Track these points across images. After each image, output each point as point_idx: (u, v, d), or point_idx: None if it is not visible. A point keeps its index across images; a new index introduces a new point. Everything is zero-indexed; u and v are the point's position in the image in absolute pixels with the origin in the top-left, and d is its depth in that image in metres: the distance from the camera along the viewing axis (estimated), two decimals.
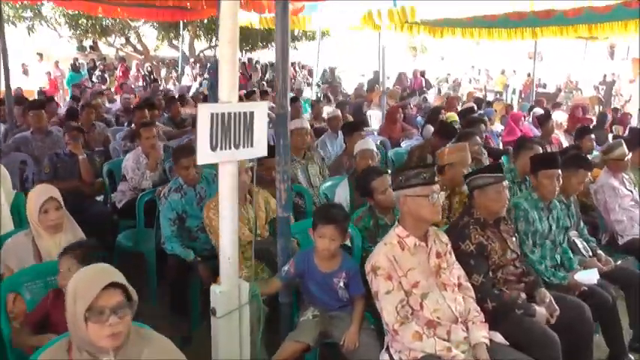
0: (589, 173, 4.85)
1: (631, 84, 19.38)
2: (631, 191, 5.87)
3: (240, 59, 24.50)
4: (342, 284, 3.55)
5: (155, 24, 22.80)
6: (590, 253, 4.87)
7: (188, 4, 12.36)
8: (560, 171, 4.43)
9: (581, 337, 3.93)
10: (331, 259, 3.58)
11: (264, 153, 3.23)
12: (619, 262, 4.83)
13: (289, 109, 3.55)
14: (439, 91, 21.81)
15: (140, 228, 5.61)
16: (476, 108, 10.96)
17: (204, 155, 2.90)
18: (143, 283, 5.39)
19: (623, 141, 6.08)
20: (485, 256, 3.76)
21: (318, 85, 13.71)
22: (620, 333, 4.46)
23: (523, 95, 21.45)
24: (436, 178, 3.40)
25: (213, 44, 23.36)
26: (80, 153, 6.37)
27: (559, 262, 4.51)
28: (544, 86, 24.03)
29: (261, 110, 3.14)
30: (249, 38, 22.15)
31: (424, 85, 20.13)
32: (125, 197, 6.19)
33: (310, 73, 21.98)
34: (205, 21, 21.09)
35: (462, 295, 3.46)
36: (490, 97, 20.42)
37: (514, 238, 4.03)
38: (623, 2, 9.88)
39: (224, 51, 2.98)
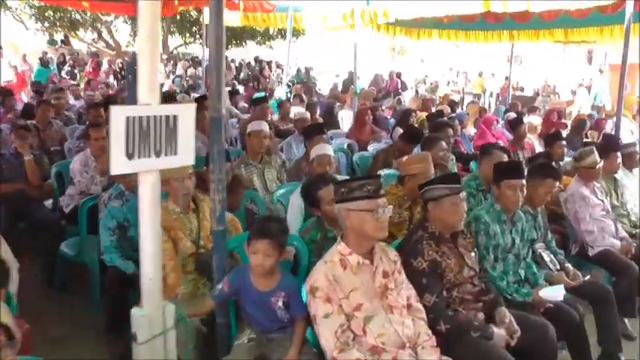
0: (557, 183, 4.59)
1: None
2: (602, 200, 5.64)
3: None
4: (280, 304, 3.23)
5: (127, 19, 22.26)
6: (558, 267, 4.60)
7: None
8: (524, 181, 4.17)
9: (544, 358, 3.67)
10: (268, 277, 3.25)
11: (191, 161, 2.93)
12: (587, 278, 4.57)
13: (224, 111, 3.24)
14: (417, 92, 21.65)
15: (83, 236, 5.23)
16: (449, 111, 10.76)
17: (118, 164, 2.58)
18: (87, 293, 5.15)
19: (594, 148, 5.85)
20: (439, 273, 3.47)
21: (289, 85, 13.35)
22: (587, 350, 4.22)
23: (500, 98, 21.33)
24: (382, 191, 3.10)
25: (188, 41, 22.99)
26: (26, 153, 6.04)
27: (523, 277, 4.24)
28: (522, 89, 23.92)
29: (186, 113, 2.82)
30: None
31: (400, 86, 19.88)
32: (73, 202, 5.80)
33: (284, 71, 21.75)
34: (178, 17, 20.67)
35: (412, 317, 3.17)
36: (468, 100, 20.35)
37: (473, 254, 3.74)
38: (599, 7, 9.77)
39: (143, 46, 2.65)
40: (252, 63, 23.17)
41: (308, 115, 8.46)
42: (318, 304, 2.96)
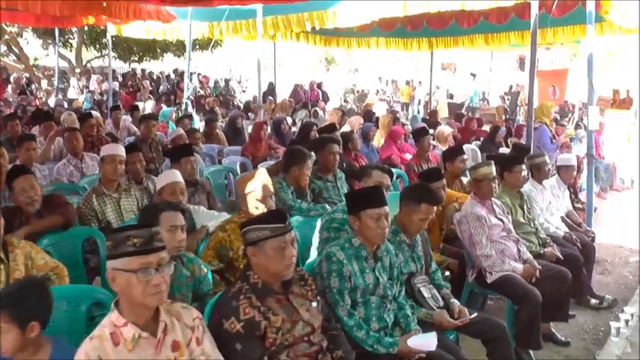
0: (434, 207, 3.90)
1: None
2: (502, 220, 5.00)
3: (131, 70, 23.37)
4: None
5: (34, 31, 20.91)
6: (441, 304, 3.92)
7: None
8: (387, 208, 3.46)
9: None
10: (30, 354, 2.45)
11: None
12: (475, 315, 3.89)
13: None
14: (345, 102, 21.12)
15: None
16: (362, 122, 10.13)
17: None
18: None
19: (491, 160, 5.25)
20: (259, 336, 2.71)
21: (190, 99, 12.50)
22: None
23: (429, 106, 20.98)
24: (157, 243, 2.34)
25: (103, 54, 21.75)
26: None
27: (391, 322, 3.52)
28: (451, 97, 23.71)
29: None
30: (132, 48, 20.75)
31: (321, 97, 19.20)
32: None
33: (202, 84, 20.92)
34: (86, 28, 19.53)
35: None
36: (398, 108, 19.94)
37: (314, 304, 2.99)
38: (516, 12, 9.38)
39: None
40: (172, 75, 22.23)
41: (182, 132, 7.61)
42: None
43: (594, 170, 10.54)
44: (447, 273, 5.06)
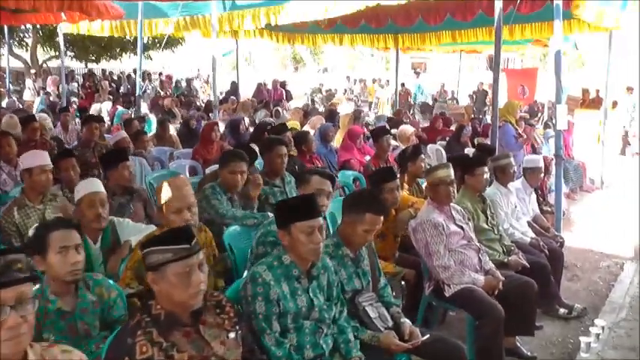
0: (380, 218, 3.47)
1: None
2: (462, 227, 4.59)
3: (87, 71, 22.51)
4: None
5: None
6: (390, 324, 3.50)
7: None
8: (321, 220, 3.02)
9: None
10: None
11: None
12: (427, 337, 3.46)
13: None
14: (312, 102, 20.71)
15: None
16: (322, 122, 9.71)
17: None
18: None
19: (449, 162, 4.86)
20: None
21: (140, 98, 11.90)
22: None
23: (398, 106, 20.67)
24: (21, 275, 1.88)
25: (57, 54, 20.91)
26: None
27: (328, 348, 3.08)
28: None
29: None
30: (88, 47, 19.96)
31: (285, 96, 18.71)
32: None
33: (163, 84, 20.33)
34: (38, 26, 18.71)
35: None
36: (366, 108, 19.63)
37: (232, 334, 2.53)
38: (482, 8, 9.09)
39: None
40: (133, 75, 21.50)
41: (125, 135, 7.09)
42: None
43: (564, 171, 10.31)
44: (403, 283, 4.69)
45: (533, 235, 5.77)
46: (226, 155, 5.00)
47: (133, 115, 11.32)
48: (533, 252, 5.48)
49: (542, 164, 6.40)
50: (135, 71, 21.87)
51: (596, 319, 5.32)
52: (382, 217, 3.45)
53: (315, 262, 3.06)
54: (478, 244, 4.65)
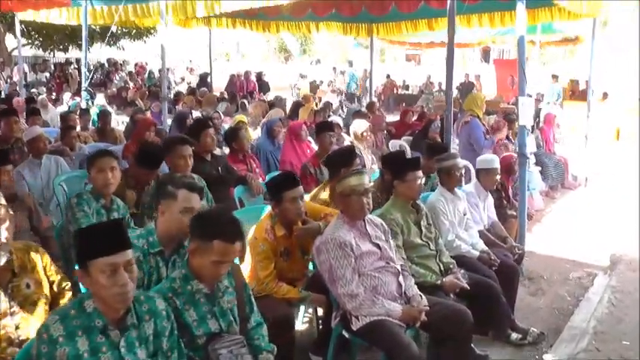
0: (234, 246, 2.69)
1: None
2: (378, 246, 3.81)
3: (66, 60, 21.63)
4: None
5: None
6: None
7: None
8: (129, 254, 2.27)
9: None
10: None
11: None
12: None
13: None
14: (297, 95, 20.06)
15: None
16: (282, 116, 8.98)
17: None
18: None
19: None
20: None
21: (89, 91, 11.08)
22: None
23: (383, 97, 19.92)
24: None
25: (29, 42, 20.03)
26: None
27: None
28: (407, 88, 22.68)
29: None
30: (52, 36, 19.01)
31: (258, 88, 17.81)
32: None
33: (132, 74, 19.50)
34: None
35: None
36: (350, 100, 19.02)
37: None
38: None
39: None
40: (106, 65, 20.73)
41: (40, 132, 6.31)
42: None
43: (542, 167, 9.52)
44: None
45: (484, 248, 4.99)
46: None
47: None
48: (482, 268, 4.74)
49: (497, 165, 5.59)
50: (108, 61, 21.27)
51: (552, 346, 4.60)
52: (237, 245, 2.68)
53: (123, 309, 2.30)
54: (399, 266, 3.87)
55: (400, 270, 3.83)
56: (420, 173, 4.36)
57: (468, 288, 4.23)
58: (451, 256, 4.67)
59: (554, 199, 9.57)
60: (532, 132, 10.20)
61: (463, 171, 5.14)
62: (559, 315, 5.38)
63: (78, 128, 8.76)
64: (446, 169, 5.01)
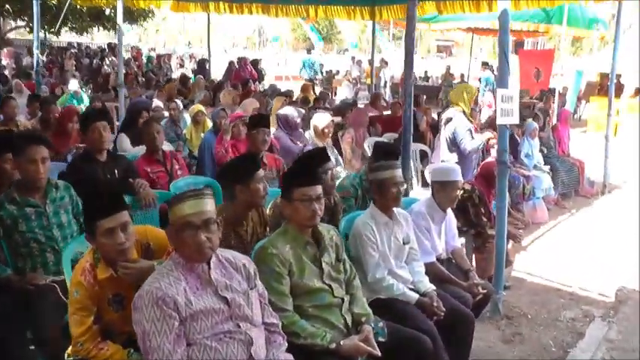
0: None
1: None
2: (226, 300, 2.63)
3: (68, 44, 20.85)
4: None
5: None
6: None
7: None
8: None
9: None
10: None
11: None
12: None
13: None
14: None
15: None
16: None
17: None
18: None
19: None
20: None
21: (39, 74, 10.04)
22: None
23: (401, 88, 18.69)
24: None
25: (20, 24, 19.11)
26: None
27: None
28: (427, 79, 21.47)
29: None
30: (56, 17, 18.08)
31: (252, 74, 16.70)
32: None
33: (135, 58, 18.60)
34: None
35: None
36: (364, 90, 18.10)
37: None
38: None
39: None
40: (106, 50, 19.80)
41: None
42: None
43: (552, 171, 8.20)
44: None
45: (429, 289, 3.76)
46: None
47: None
48: (417, 318, 3.52)
49: (457, 177, 4.30)
50: (108, 46, 20.33)
51: None
52: None
53: None
54: (259, 328, 2.68)
55: (253, 338, 2.61)
56: (312, 190, 3.13)
57: (379, 354, 3.02)
58: (380, 300, 3.49)
59: (564, 210, 8.25)
60: (543, 130, 8.86)
61: (404, 187, 3.87)
62: None
63: (21, 117, 7.83)
64: (379, 182, 3.78)
